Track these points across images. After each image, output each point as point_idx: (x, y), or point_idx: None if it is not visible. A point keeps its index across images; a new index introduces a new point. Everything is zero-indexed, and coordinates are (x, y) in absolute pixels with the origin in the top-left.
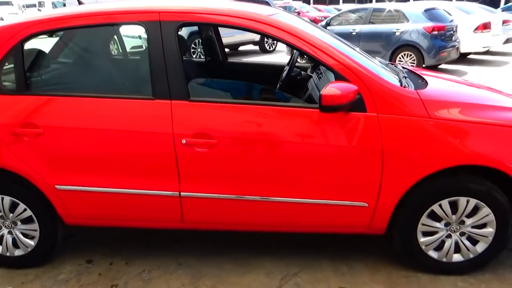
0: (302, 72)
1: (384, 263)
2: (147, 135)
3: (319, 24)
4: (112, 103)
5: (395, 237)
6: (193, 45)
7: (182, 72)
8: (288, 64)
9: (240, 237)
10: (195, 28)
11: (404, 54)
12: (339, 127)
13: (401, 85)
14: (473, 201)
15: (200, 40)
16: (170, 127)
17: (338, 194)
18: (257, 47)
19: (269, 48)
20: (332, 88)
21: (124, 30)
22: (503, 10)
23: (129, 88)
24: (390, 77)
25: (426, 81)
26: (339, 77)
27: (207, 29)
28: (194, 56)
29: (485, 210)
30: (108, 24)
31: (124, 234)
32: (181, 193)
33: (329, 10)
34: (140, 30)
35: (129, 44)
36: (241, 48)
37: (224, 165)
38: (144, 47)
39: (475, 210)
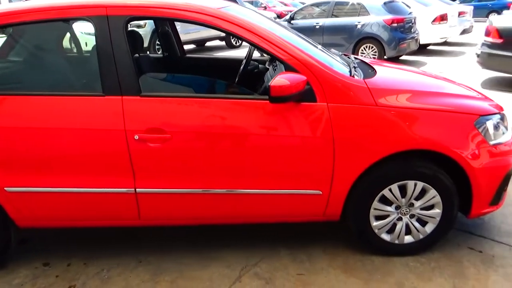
0: (260, 65)
1: (342, 248)
2: (99, 132)
3: (283, 18)
4: (62, 101)
5: (350, 223)
6: (158, 42)
7: (132, 67)
8: (245, 57)
9: (201, 230)
10: None
11: (366, 46)
12: (290, 117)
13: (350, 75)
14: (420, 184)
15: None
16: (122, 123)
17: (293, 183)
18: (223, 43)
19: (236, 43)
20: (281, 79)
21: (82, 26)
22: (461, 2)
23: (80, 85)
24: (340, 67)
25: (375, 71)
26: (288, 68)
27: (163, 24)
28: (159, 53)
29: (432, 192)
30: (54, 19)
31: (83, 234)
32: (137, 189)
33: (295, 5)
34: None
35: (90, 41)
36: (208, 43)
37: (179, 160)
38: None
39: (423, 192)
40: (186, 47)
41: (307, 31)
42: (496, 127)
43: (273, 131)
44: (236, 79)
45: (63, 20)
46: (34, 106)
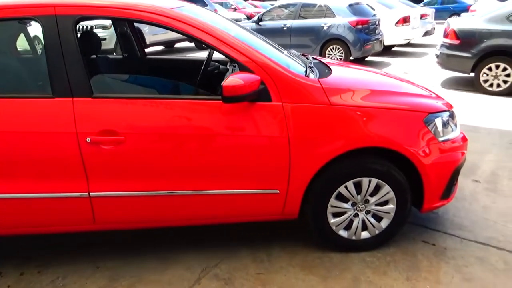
0: (221, 66)
1: (302, 246)
2: (49, 135)
3: (251, 19)
4: (11, 103)
5: (308, 220)
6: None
7: (82, 68)
8: (206, 58)
9: (160, 233)
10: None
11: (333, 48)
12: (245, 117)
13: (305, 74)
14: (374, 181)
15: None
16: (73, 126)
17: (250, 183)
18: (193, 44)
19: None
20: (234, 79)
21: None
22: (424, 5)
23: (30, 87)
24: (296, 67)
25: (331, 71)
26: (243, 68)
27: (122, 24)
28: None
29: (386, 188)
30: (1, 19)
31: (38, 241)
32: (91, 193)
33: (265, 6)
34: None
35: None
36: (178, 45)
37: (134, 162)
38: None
39: (377, 189)
40: (155, 48)
41: (275, 33)
42: (445, 124)
43: (228, 131)
44: (197, 80)
45: (11, 20)
46: None
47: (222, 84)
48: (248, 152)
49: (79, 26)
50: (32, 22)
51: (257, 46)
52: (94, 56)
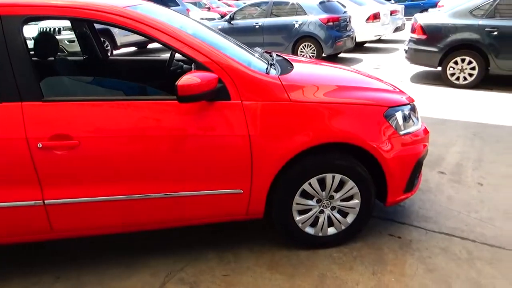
0: (184, 65)
1: (269, 246)
2: None
3: (223, 18)
4: None
5: (274, 219)
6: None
7: (32, 71)
8: (168, 58)
9: (125, 238)
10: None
11: (305, 45)
12: (205, 117)
13: (266, 72)
14: (338, 177)
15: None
16: (23, 131)
17: (213, 183)
18: None
19: None
20: (189, 78)
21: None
22: (395, 2)
23: None
24: (256, 65)
25: (293, 67)
26: (199, 67)
27: (81, 25)
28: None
29: (350, 184)
30: None
31: None
32: (45, 201)
33: (239, 5)
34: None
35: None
36: (151, 46)
37: (89, 166)
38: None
39: (341, 184)
40: (127, 49)
41: (247, 31)
42: (406, 118)
43: (186, 132)
44: (158, 81)
45: None
46: None
47: (176, 83)
48: (209, 152)
49: (42, 28)
50: None
51: (216, 44)
52: (52, 58)
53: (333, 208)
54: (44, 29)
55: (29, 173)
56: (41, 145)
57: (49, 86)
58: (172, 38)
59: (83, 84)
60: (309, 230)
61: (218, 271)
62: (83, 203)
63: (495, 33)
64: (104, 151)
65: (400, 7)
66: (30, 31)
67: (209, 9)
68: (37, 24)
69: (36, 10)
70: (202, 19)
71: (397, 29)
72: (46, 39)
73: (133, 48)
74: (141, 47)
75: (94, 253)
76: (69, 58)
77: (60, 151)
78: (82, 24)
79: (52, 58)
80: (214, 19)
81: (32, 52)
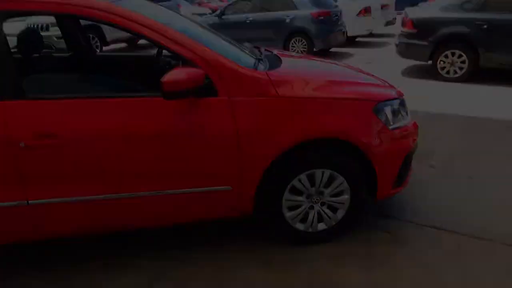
0: (172, 61)
1: (260, 243)
2: None
3: (214, 14)
4: None
5: (263, 216)
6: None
7: (12, 69)
8: (156, 54)
9: (114, 238)
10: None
11: (296, 40)
12: (192, 113)
13: (254, 67)
14: (327, 172)
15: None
16: (3, 130)
17: (201, 181)
18: None
19: None
20: (175, 73)
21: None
22: None
23: None
24: (244, 60)
25: (282, 62)
26: (186, 63)
27: (66, 21)
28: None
29: (339, 179)
30: None
31: None
32: (29, 201)
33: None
34: None
35: None
36: (141, 41)
37: (74, 165)
38: None
39: (331, 180)
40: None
41: (238, 26)
42: (394, 112)
43: (174, 129)
44: (145, 77)
45: None
46: None
47: (161, 80)
48: (196, 149)
49: (31, 25)
50: None
51: (202, 39)
52: (36, 55)
53: (323, 204)
54: (32, 26)
55: (11, 173)
56: (23, 144)
57: (32, 84)
58: (158, 33)
59: (68, 81)
60: (299, 226)
61: (209, 270)
62: (68, 203)
63: (485, 26)
64: (89, 150)
65: (391, 1)
66: (17, 28)
67: (199, 4)
68: (24, 20)
69: (17, 4)
70: (193, 14)
71: (388, 23)
72: (29, 35)
73: (123, 44)
74: (131, 43)
75: (83, 253)
76: (54, 54)
77: (44, 150)
78: (68, 20)
79: (37, 55)
80: (205, 14)
81: (15, 50)
